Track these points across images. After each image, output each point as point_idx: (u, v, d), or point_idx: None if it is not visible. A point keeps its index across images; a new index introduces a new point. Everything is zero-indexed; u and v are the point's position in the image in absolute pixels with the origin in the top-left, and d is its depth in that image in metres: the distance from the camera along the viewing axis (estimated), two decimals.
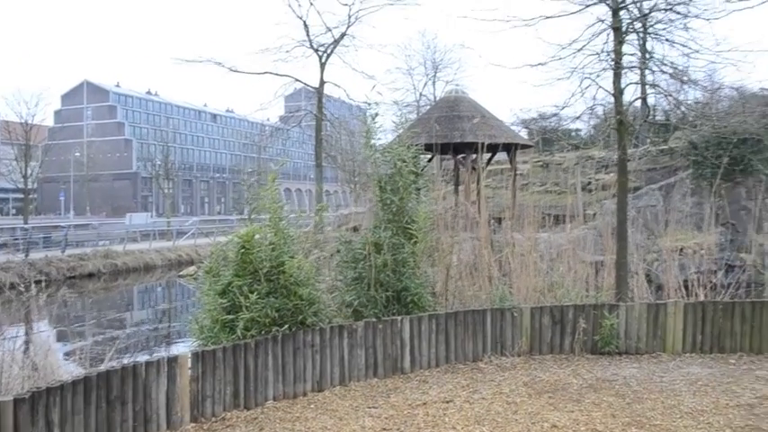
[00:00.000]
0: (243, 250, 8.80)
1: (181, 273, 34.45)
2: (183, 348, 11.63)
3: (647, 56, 13.81)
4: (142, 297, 33.29)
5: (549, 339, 10.52)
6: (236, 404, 8.07)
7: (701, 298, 12.35)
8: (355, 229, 14.55)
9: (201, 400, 7.75)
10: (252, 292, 8.48)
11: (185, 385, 7.61)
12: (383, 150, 11.27)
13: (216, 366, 7.92)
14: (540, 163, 35.35)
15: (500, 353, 10.34)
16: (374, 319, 9.51)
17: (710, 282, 13.34)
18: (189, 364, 7.76)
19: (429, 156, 23.12)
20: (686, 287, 13.08)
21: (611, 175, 24.23)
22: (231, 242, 9.16)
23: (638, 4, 13.40)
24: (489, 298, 11.32)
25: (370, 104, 12.36)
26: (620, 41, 12.83)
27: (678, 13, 13.06)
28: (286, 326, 8.61)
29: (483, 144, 20.04)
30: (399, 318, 9.68)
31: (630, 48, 13.68)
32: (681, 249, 17.63)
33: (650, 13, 13.14)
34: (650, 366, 9.91)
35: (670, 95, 14.24)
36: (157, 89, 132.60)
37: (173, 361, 7.56)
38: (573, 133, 36.60)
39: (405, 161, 10.61)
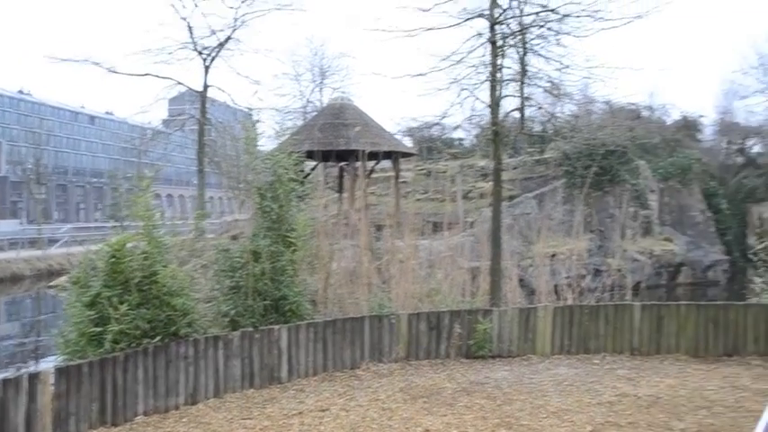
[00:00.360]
0: (113, 259, 8.45)
1: (51, 283, 32.60)
2: (49, 364, 11.03)
3: (524, 69, 14.44)
4: (8, 310, 31.27)
5: (426, 345, 10.74)
6: (103, 421, 7.73)
7: (570, 302, 12.98)
8: (234, 238, 14.32)
9: (65, 419, 7.37)
10: (122, 304, 8.15)
11: (47, 403, 7.22)
12: (264, 157, 11.18)
13: (81, 382, 7.56)
14: (424, 171, 36.09)
15: (378, 360, 10.45)
16: (251, 329, 9.39)
17: (579, 286, 14.04)
18: (52, 381, 7.37)
19: (313, 163, 23.11)
20: (557, 291, 13.72)
21: (491, 183, 25.08)
22: (101, 251, 8.79)
23: (519, 20, 13.98)
24: (368, 305, 11.43)
25: (253, 110, 12.23)
26: (496, 55, 13.34)
27: (551, 29, 13.76)
28: (158, 338, 8.35)
29: (365, 152, 20.26)
30: (277, 327, 9.61)
31: (509, 61, 14.29)
32: (553, 255, 18.46)
33: (525, 29, 13.74)
34: (521, 369, 10.30)
35: (542, 108, 14.94)
36: (30, 88, 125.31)
37: (34, 378, 7.16)
38: (456, 142, 37.58)
39: (285, 168, 10.56)
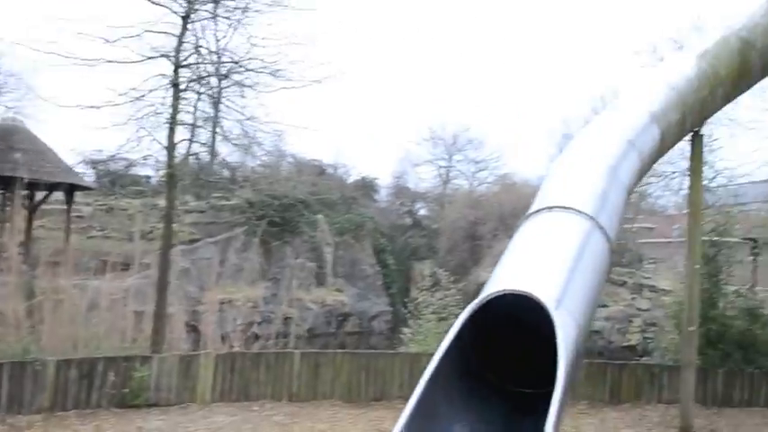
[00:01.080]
0: None
1: None
2: None
3: (216, 116, 14.61)
4: None
5: (76, 394, 10.00)
6: None
7: (237, 348, 13.13)
8: None
9: None
10: None
11: None
12: None
13: None
14: (105, 207, 33.96)
15: (17, 411, 9.47)
16: None
17: (249, 333, 14.30)
18: None
19: None
20: (225, 338, 13.80)
21: (176, 225, 24.51)
22: None
23: (207, 67, 14.10)
24: (11, 350, 10.37)
25: None
26: (178, 98, 13.28)
27: (235, 81, 14.18)
28: None
29: (23, 179, 18.57)
30: None
31: (203, 104, 14.37)
32: (228, 302, 18.57)
33: (207, 76, 13.95)
34: (178, 417, 10.09)
35: (217, 155, 15.23)
36: None
37: None
38: (144, 180, 36.14)
39: None
